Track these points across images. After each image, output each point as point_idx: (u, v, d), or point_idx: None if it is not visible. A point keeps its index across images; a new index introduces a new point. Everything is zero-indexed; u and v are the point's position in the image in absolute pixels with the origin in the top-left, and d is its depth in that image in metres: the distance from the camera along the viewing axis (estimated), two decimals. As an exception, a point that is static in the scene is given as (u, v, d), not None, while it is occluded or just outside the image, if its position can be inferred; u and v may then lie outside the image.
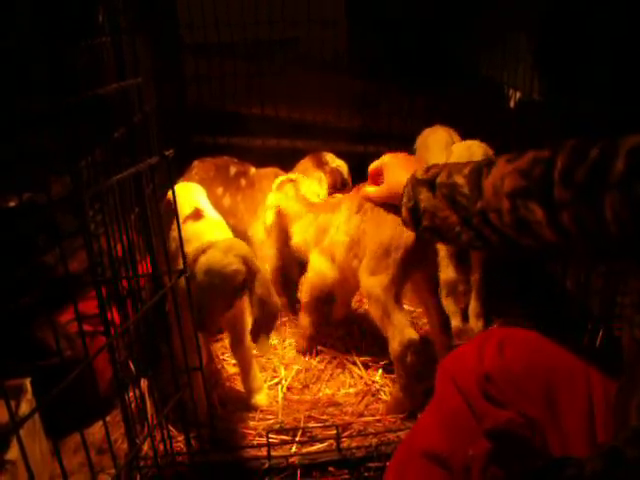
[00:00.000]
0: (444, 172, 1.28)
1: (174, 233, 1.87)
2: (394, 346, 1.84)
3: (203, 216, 2.00)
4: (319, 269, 2.18)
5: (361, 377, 2.16)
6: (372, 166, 1.73)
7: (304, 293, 2.26)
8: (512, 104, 2.93)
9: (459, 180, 1.22)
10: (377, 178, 1.72)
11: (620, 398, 0.96)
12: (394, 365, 1.90)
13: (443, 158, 2.36)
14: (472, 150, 2.26)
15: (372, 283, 1.87)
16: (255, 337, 1.73)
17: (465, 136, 2.65)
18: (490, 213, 1.12)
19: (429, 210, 1.31)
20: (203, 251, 1.64)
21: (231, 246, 1.68)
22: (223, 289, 1.63)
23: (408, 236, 1.78)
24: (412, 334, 1.82)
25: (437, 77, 3.29)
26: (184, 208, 2.02)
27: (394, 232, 1.81)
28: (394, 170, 1.58)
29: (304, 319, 2.30)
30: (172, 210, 1.68)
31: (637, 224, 0.89)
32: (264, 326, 1.73)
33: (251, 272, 1.67)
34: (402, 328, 1.83)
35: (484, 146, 2.28)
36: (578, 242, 0.99)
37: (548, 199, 1.00)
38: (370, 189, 1.74)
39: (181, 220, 1.79)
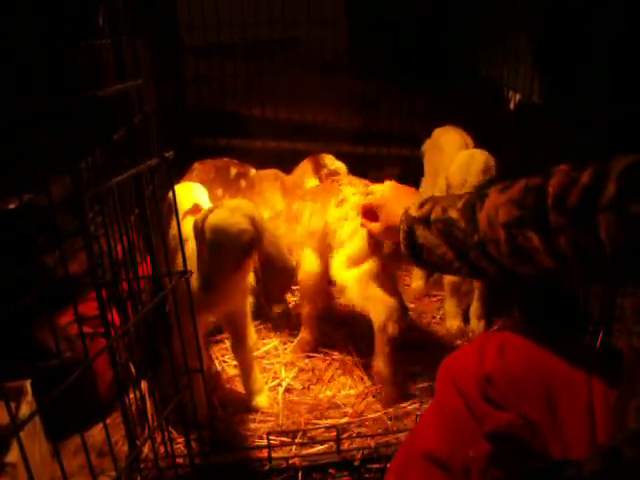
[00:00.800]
0: (438, 207, 1.27)
1: (173, 231, 1.88)
2: (375, 317, 1.94)
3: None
4: (307, 268, 2.22)
5: (361, 378, 2.16)
6: (365, 201, 1.75)
7: (302, 303, 2.29)
8: (512, 105, 2.93)
9: (454, 215, 1.21)
10: (369, 214, 1.72)
11: (620, 402, 0.96)
12: (376, 340, 1.98)
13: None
14: (474, 158, 2.25)
15: (349, 276, 2.00)
16: (269, 296, 1.74)
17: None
18: (488, 244, 1.12)
19: (427, 246, 1.30)
20: (211, 211, 1.65)
21: (239, 206, 1.68)
22: (230, 248, 1.63)
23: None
24: (391, 301, 1.94)
25: (437, 77, 3.28)
26: (184, 205, 2.02)
27: None
28: (389, 207, 1.57)
29: (306, 334, 2.30)
30: (172, 209, 1.69)
31: (632, 245, 0.89)
32: (277, 285, 1.75)
33: (258, 232, 1.68)
34: (381, 299, 1.94)
35: (486, 154, 2.26)
36: (576, 266, 1.00)
37: (544, 226, 1.00)
38: (369, 226, 1.74)
39: (181, 217, 1.79)
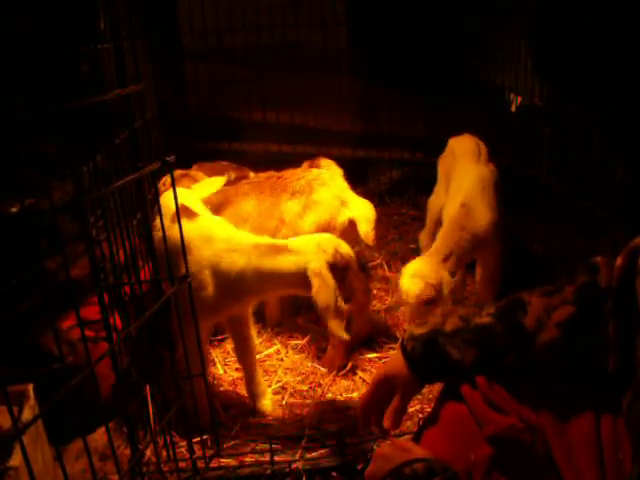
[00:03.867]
0: (453, 319, 1.20)
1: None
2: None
3: (195, 214, 1.93)
4: None
5: (364, 381, 2.16)
6: None
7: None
8: (513, 108, 2.93)
9: (486, 321, 1.15)
10: None
11: (634, 405, 0.95)
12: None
13: (472, 166, 2.40)
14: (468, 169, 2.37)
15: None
16: None
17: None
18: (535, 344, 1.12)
19: (451, 357, 1.18)
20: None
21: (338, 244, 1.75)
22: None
23: (343, 219, 2.11)
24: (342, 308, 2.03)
25: (439, 81, 3.29)
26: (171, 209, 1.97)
27: (331, 214, 2.12)
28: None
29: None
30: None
31: None
32: None
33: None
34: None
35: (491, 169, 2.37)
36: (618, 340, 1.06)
37: (599, 315, 1.07)
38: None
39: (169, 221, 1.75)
